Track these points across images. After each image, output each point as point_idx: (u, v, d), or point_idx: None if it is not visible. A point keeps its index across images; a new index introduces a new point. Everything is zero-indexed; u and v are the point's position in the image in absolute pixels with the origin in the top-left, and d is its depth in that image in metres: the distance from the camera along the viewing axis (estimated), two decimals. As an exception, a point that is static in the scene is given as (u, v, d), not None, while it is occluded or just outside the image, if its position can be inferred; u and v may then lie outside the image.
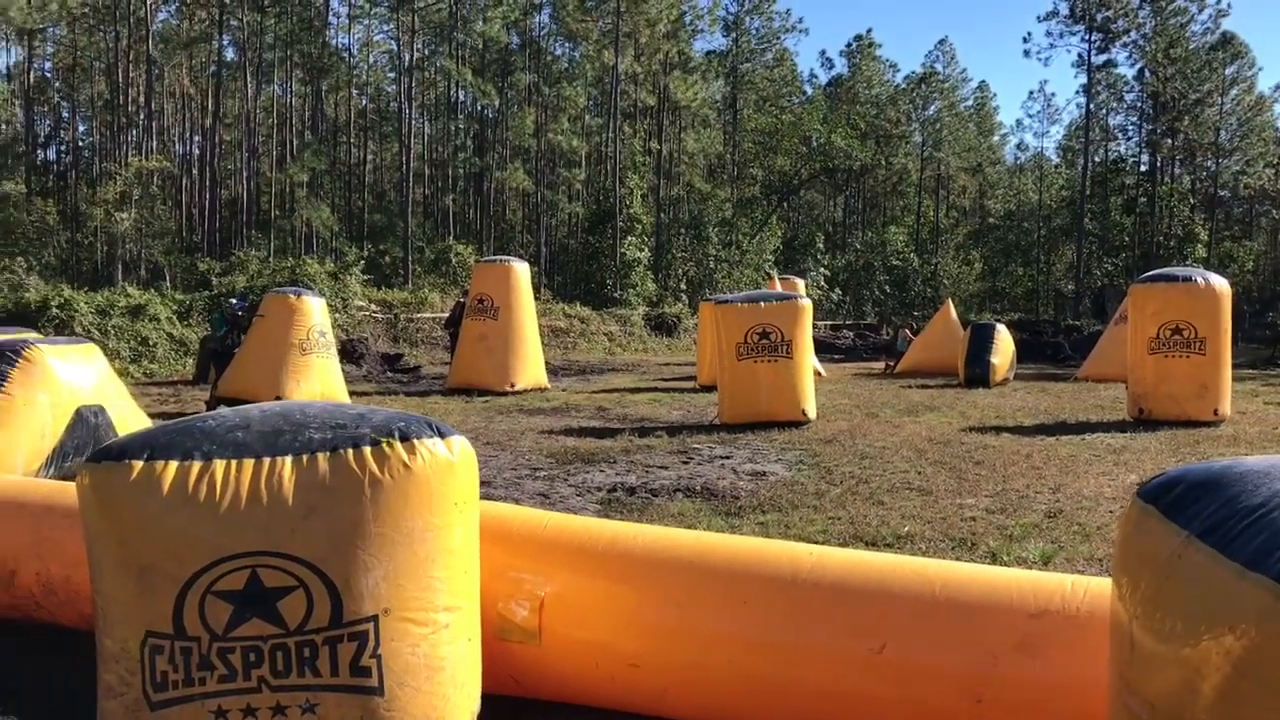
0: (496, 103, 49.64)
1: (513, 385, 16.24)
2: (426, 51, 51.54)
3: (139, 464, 2.76)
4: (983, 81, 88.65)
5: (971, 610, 3.11)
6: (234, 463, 2.78)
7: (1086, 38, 54.36)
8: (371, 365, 21.32)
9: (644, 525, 4.25)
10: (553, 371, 19.21)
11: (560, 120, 51.03)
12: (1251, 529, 1.93)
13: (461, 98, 53.29)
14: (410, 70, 45.87)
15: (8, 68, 50.94)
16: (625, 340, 34.13)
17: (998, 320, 23.75)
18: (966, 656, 3.03)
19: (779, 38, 62.99)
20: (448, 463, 2.97)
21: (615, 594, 3.50)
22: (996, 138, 76.31)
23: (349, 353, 20.37)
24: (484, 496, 3.44)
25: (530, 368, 16.84)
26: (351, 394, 14.72)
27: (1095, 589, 3.04)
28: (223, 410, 3.14)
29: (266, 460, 2.79)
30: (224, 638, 2.72)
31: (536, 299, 18.64)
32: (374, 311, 27.74)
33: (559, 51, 55.39)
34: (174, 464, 2.77)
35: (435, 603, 2.94)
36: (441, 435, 3.00)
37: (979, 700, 2.97)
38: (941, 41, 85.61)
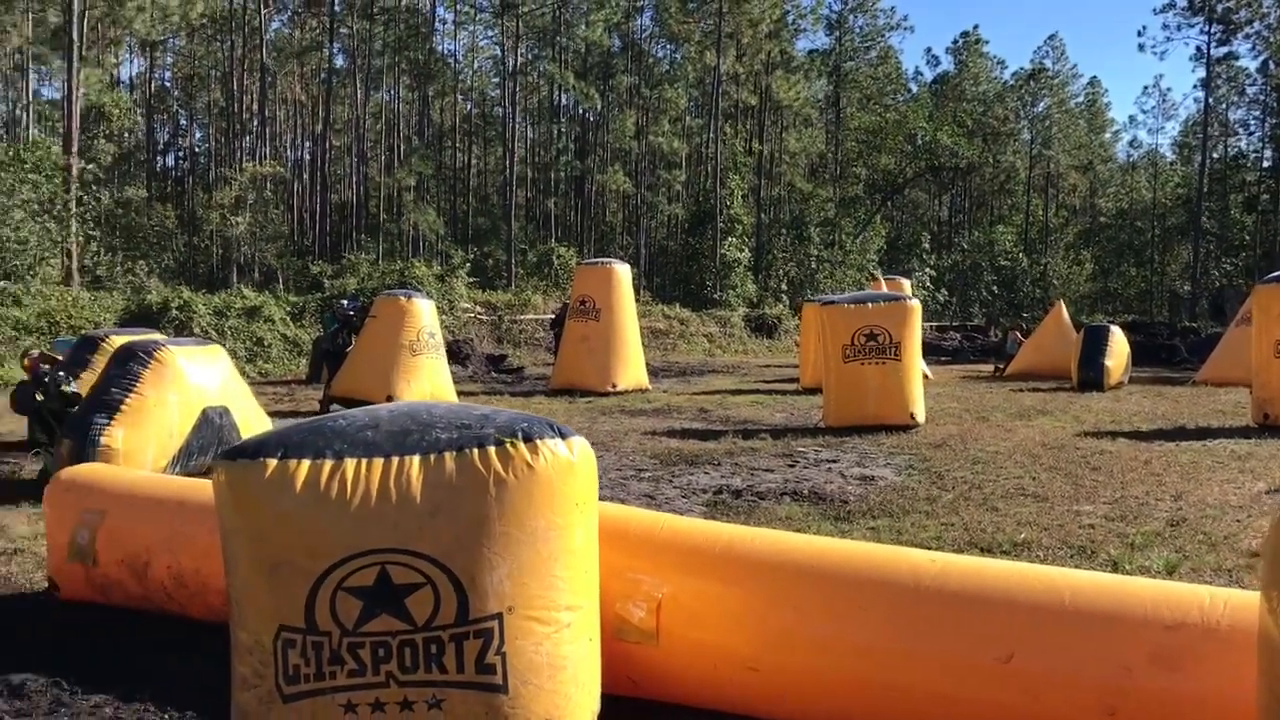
0: (598, 105, 49.93)
1: (614, 386, 16.31)
2: (530, 56, 52.18)
3: (273, 462, 2.84)
4: (1094, 77, 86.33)
5: (1103, 621, 3.02)
6: (364, 461, 2.84)
7: (1206, 29, 52.36)
8: (477, 366, 21.62)
9: (759, 529, 4.22)
10: (653, 373, 19.23)
11: (661, 122, 51.13)
12: None
13: (564, 101, 53.80)
14: (514, 74, 46.44)
15: (131, 78, 53.09)
16: (725, 342, 33.96)
17: (1111, 322, 23.03)
18: (1099, 668, 2.95)
19: (883, 35, 62.22)
20: (569, 463, 3.00)
21: (732, 597, 3.49)
22: (1108, 134, 74.09)
23: (455, 353, 20.65)
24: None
25: (631, 369, 16.90)
26: (459, 394, 14.93)
27: (1236, 601, 2.93)
28: (351, 410, 3.21)
29: (395, 459, 2.85)
30: (354, 633, 2.78)
31: (636, 300, 18.68)
32: (479, 313, 28.12)
33: (660, 53, 55.47)
34: (307, 462, 2.84)
35: (557, 602, 2.97)
36: (562, 436, 3.03)
37: (1112, 713, 2.89)
38: (1051, 37, 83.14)
